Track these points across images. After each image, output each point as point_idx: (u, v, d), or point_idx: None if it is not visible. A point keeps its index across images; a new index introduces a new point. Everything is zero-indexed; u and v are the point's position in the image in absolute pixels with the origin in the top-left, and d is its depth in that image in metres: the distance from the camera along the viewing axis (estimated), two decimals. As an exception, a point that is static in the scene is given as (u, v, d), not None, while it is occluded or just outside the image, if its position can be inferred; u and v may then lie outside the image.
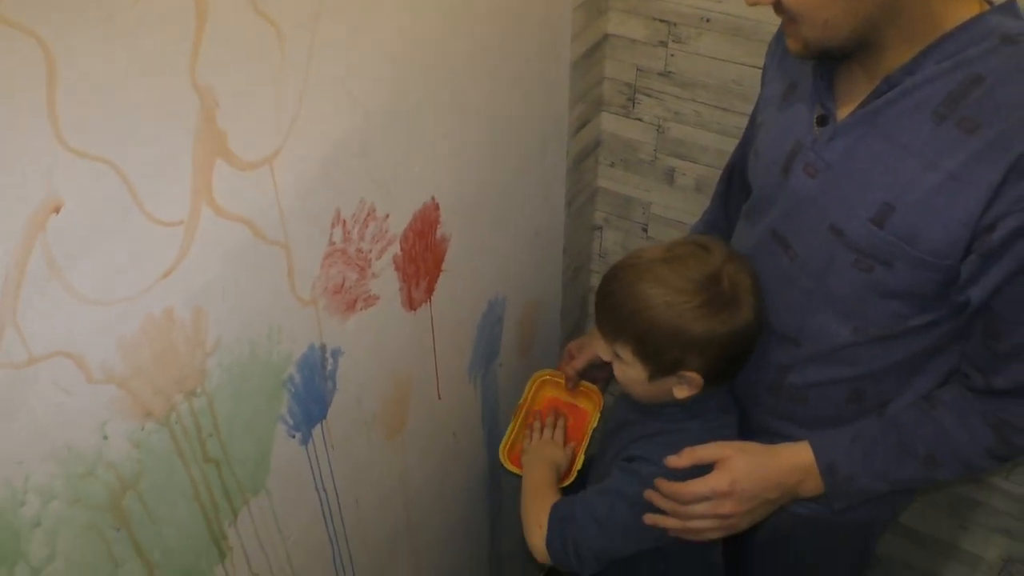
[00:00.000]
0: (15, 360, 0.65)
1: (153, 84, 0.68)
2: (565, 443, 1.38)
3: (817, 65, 0.97)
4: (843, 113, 0.95)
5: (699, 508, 1.04)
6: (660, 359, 1.06)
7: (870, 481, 1.03)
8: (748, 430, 1.16)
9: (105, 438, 0.76)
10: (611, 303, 1.09)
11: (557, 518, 1.16)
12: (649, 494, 1.08)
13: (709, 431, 1.11)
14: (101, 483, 0.77)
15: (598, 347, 1.15)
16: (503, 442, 1.40)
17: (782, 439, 1.07)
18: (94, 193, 0.67)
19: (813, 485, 1.04)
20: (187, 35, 0.69)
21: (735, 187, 1.27)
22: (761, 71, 1.15)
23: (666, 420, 1.15)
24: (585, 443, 1.38)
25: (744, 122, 1.25)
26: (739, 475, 1.03)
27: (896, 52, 0.89)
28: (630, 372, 1.10)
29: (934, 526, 1.74)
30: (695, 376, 1.07)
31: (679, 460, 1.06)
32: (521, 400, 1.44)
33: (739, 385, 1.15)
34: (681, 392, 1.09)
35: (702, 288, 1.03)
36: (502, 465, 1.37)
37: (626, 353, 1.09)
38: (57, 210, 0.64)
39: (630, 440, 1.19)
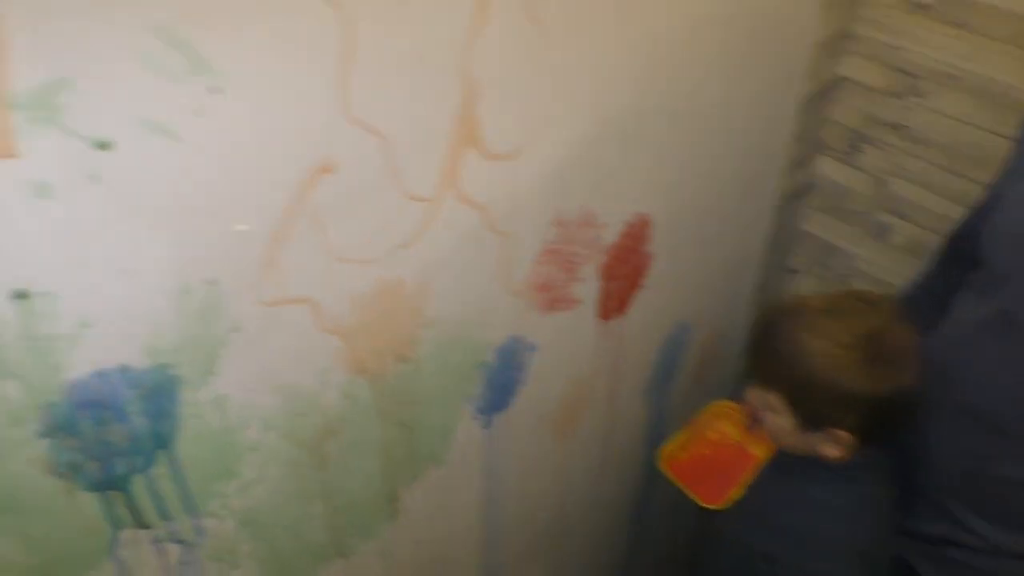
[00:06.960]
0: (268, 298, 0.72)
1: (429, 67, 0.73)
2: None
3: None
4: None
5: None
6: (812, 412, 1.02)
7: None
8: (933, 515, 1.10)
9: (323, 384, 0.82)
10: (768, 349, 1.05)
11: None
12: None
13: (851, 515, 1.06)
14: (311, 424, 0.84)
15: (750, 393, 1.11)
16: (664, 445, 1.39)
17: (968, 533, 1.01)
18: (362, 161, 0.72)
19: None
20: (466, 26, 0.74)
21: (963, 253, 1.20)
22: (1011, 140, 1.09)
23: (806, 480, 1.09)
24: (745, 478, 1.35)
25: (975, 190, 1.20)
26: None
27: None
28: (779, 421, 1.06)
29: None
30: (845, 435, 1.02)
31: None
32: (695, 417, 1.44)
33: (934, 470, 1.07)
34: (829, 450, 1.04)
35: (865, 344, 0.98)
36: (657, 466, 1.38)
37: (777, 401, 1.05)
38: (329, 170, 0.70)
39: (760, 520, 1.15)
